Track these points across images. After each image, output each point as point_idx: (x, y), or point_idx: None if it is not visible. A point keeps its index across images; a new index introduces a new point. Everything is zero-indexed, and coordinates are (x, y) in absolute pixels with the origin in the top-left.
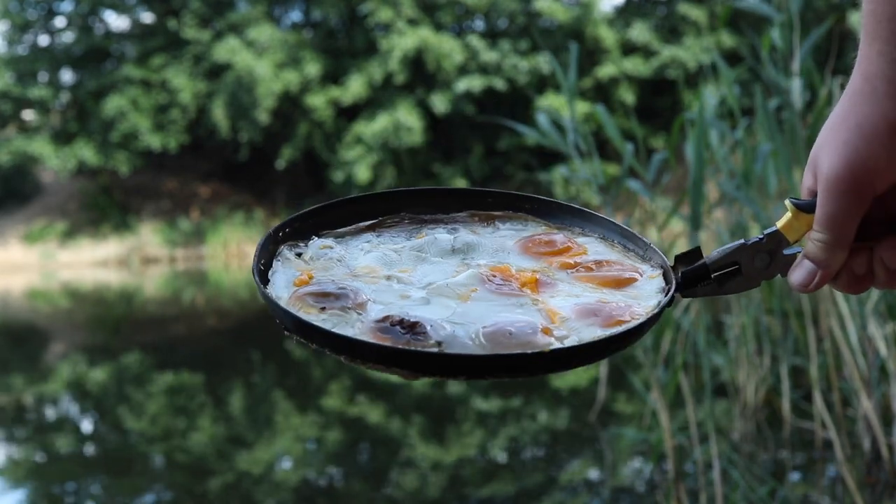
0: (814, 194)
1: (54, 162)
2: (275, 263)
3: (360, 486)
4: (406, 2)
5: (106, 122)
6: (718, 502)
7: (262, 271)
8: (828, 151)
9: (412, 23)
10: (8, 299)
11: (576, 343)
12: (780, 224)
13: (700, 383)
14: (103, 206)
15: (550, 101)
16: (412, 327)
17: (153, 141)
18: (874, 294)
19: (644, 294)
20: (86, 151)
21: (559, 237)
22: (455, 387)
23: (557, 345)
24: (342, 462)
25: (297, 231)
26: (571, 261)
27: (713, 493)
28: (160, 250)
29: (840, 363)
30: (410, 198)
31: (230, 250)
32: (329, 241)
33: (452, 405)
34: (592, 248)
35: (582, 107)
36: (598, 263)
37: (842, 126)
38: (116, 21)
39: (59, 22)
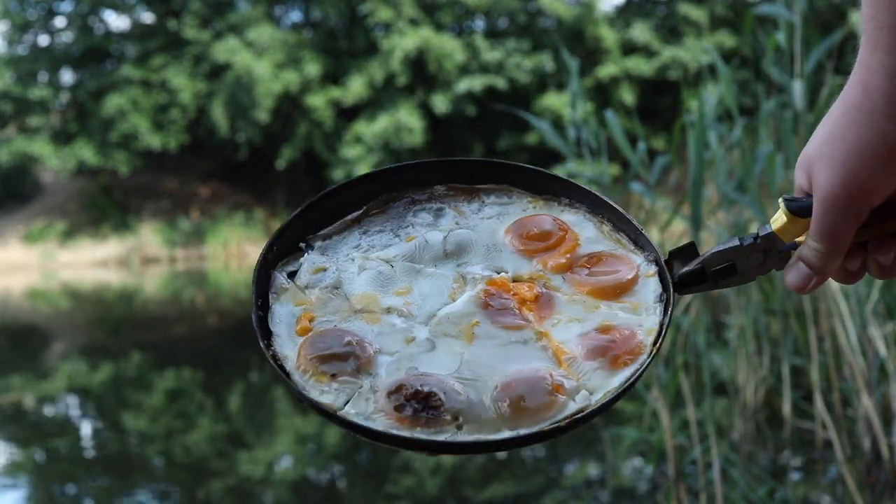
0: (806, 194)
1: (54, 162)
2: (271, 299)
3: (360, 486)
4: (406, 1)
5: (106, 122)
6: (718, 502)
7: (262, 319)
8: (824, 167)
9: (413, 23)
10: (8, 299)
11: (587, 408)
12: (775, 227)
13: (700, 383)
14: (103, 206)
15: (552, 101)
16: (427, 399)
17: (153, 141)
18: (874, 294)
19: (644, 304)
20: (86, 151)
21: (548, 222)
22: None
23: (572, 408)
24: (342, 462)
25: (284, 244)
26: (564, 259)
27: (713, 492)
28: (160, 250)
29: (840, 363)
30: (388, 177)
31: (230, 250)
32: (319, 259)
33: None
34: (584, 232)
35: (581, 107)
36: (593, 259)
37: (839, 143)
38: (116, 21)
39: (59, 22)
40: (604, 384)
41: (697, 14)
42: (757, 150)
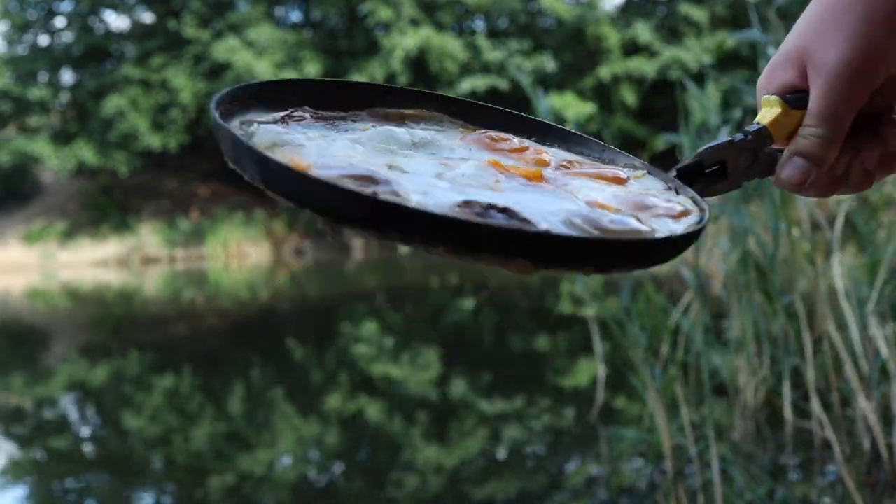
0: (794, 90)
1: (54, 162)
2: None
3: (360, 486)
4: (406, 1)
5: (106, 122)
6: (718, 502)
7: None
8: (833, 42)
9: (413, 22)
10: (8, 299)
11: (679, 231)
12: (767, 120)
13: (700, 384)
14: (103, 206)
15: (554, 101)
16: (507, 212)
17: (153, 141)
18: (874, 294)
19: (654, 189)
20: (86, 151)
21: (510, 136)
22: (456, 387)
23: (666, 232)
24: (342, 462)
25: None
26: (544, 157)
27: (712, 493)
28: (160, 250)
29: (839, 364)
30: (308, 88)
31: (230, 250)
32: (277, 129)
33: (453, 405)
34: (549, 150)
35: (583, 107)
36: (571, 163)
37: (846, 16)
38: (116, 21)
39: (59, 22)
40: (665, 228)
41: (698, 14)
42: None
